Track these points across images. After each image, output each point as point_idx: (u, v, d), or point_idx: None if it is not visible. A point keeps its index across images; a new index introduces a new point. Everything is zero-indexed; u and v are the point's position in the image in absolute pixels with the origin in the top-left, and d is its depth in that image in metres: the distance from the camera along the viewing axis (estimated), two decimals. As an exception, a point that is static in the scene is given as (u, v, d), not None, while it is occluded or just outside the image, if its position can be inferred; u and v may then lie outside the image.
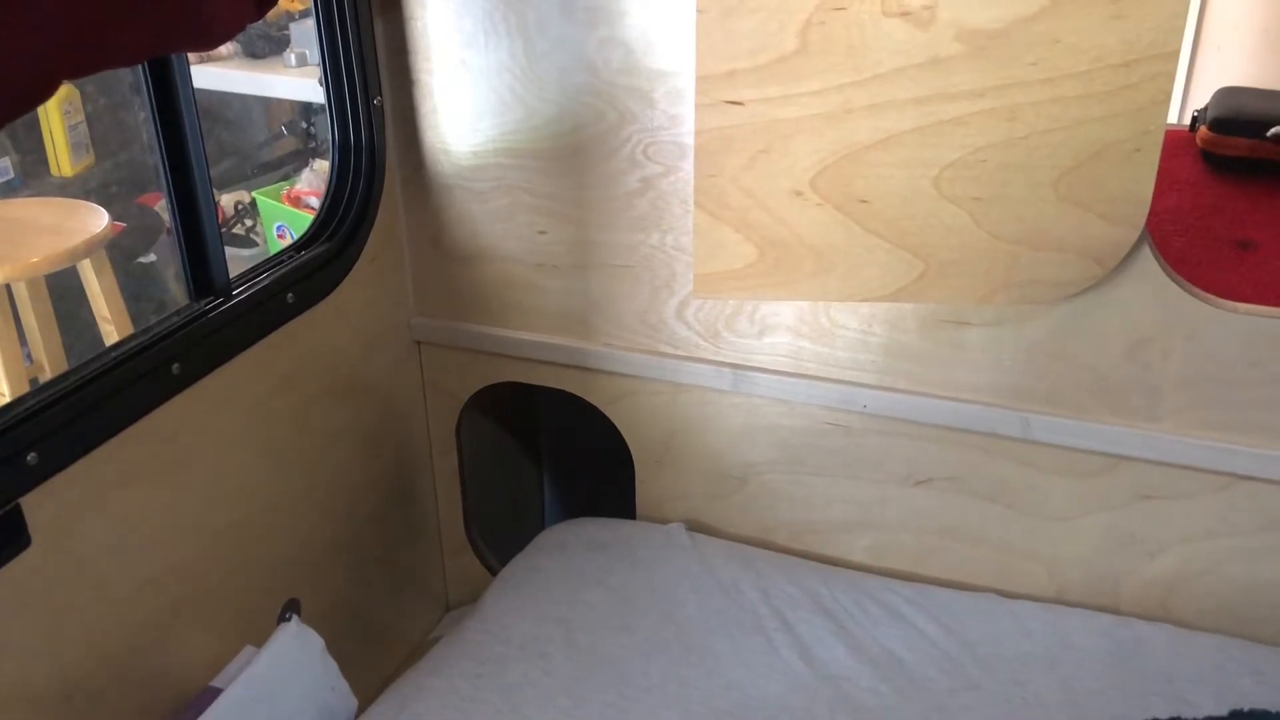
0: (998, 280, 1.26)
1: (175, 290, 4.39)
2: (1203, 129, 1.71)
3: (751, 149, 1.22)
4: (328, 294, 1.43)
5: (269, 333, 1.33)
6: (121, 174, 3.67)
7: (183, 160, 1.18)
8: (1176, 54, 1.13)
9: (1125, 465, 1.38)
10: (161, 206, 4.35)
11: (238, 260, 3.81)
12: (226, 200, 3.67)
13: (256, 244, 3.59)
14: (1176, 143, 1.79)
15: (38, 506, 1.06)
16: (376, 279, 1.54)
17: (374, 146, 1.45)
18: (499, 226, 1.55)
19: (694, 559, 1.55)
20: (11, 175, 3.29)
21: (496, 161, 1.50)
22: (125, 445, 1.14)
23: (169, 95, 1.15)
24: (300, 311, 1.38)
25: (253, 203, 3.59)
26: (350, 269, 1.47)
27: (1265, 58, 2.80)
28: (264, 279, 1.32)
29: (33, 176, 3.37)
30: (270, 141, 3.90)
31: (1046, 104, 1.16)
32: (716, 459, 1.59)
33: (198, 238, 1.22)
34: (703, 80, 1.20)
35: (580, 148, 1.44)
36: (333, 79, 1.41)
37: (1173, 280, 1.27)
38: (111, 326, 2.59)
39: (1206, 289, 1.31)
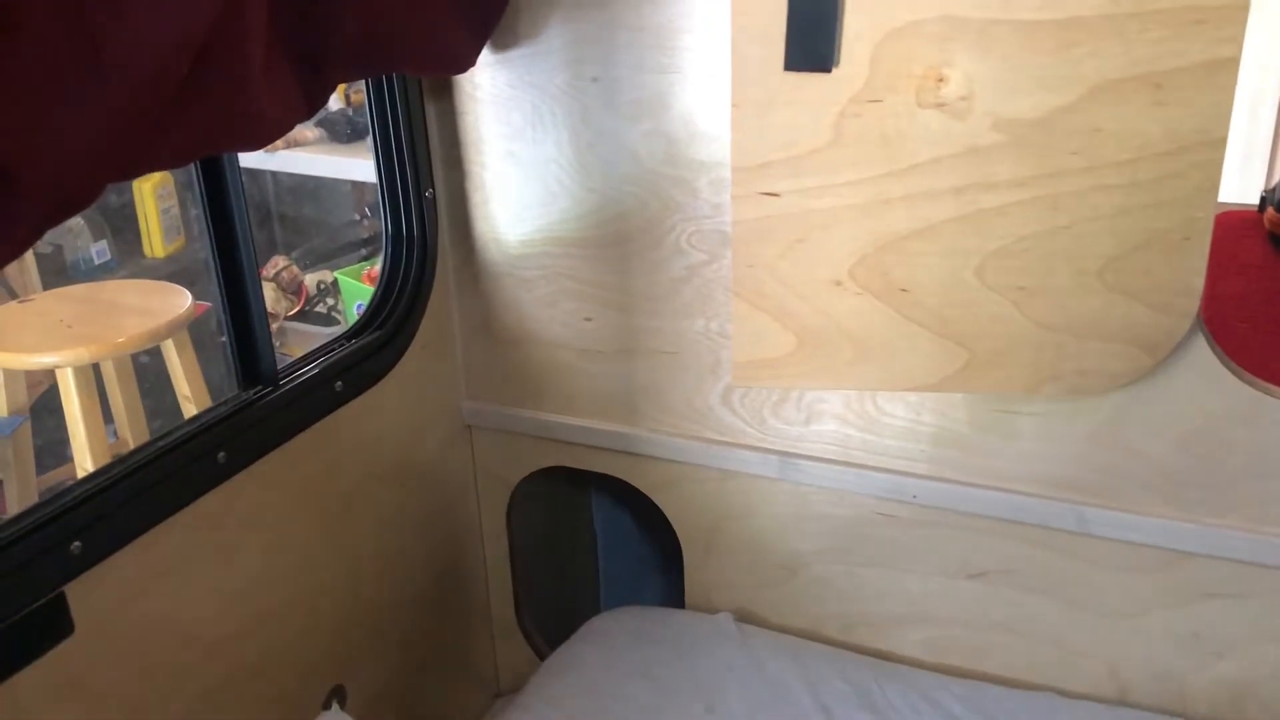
0: (1045, 370, 1.23)
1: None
2: (1270, 210, 1.66)
3: (788, 239, 1.22)
4: (378, 380, 1.46)
5: (317, 420, 1.35)
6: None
7: (232, 251, 1.22)
8: (1223, 141, 1.10)
9: (1187, 561, 1.32)
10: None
11: (321, 338, 3.90)
12: (310, 279, 3.77)
13: (338, 321, 3.68)
14: (1245, 224, 1.75)
15: (81, 594, 1.08)
16: (428, 364, 1.56)
17: (425, 237, 1.48)
18: (545, 313, 1.56)
19: (740, 650, 1.52)
20: (108, 257, 3.44)
21: (544, 250, 1.52)
22: (170, 532, 1.16)
23: (219, 188, 1.20)
24: (349, 399, 1.40)
25: (335, 282, 3.68)
26: (401, 356, 1.49)
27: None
28: (313, 368, 1.35)
29: (127, 257, 3.51)
30: (353, 223, 4.02)
31: (1089, 193, 1.14)
32: (765, 548, 1.56)
33: (246, 327, 1.25)
34: (739, 172, 1.20)
35: (625, 236, 1.46)
36: (385, 172, 1.45)
37: (1229, 369, 1.23)
38: (191, 404, 2.67)
39: (1270, 379, 1.26)
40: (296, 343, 4.41)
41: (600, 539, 2.02)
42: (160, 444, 1.15)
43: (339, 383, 1.38)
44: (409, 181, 1.46)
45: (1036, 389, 1.25)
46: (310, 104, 1.18)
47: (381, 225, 1.48)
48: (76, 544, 1.05)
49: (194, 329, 2.64)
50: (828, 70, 1.13)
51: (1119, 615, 1.37)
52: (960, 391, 1.28)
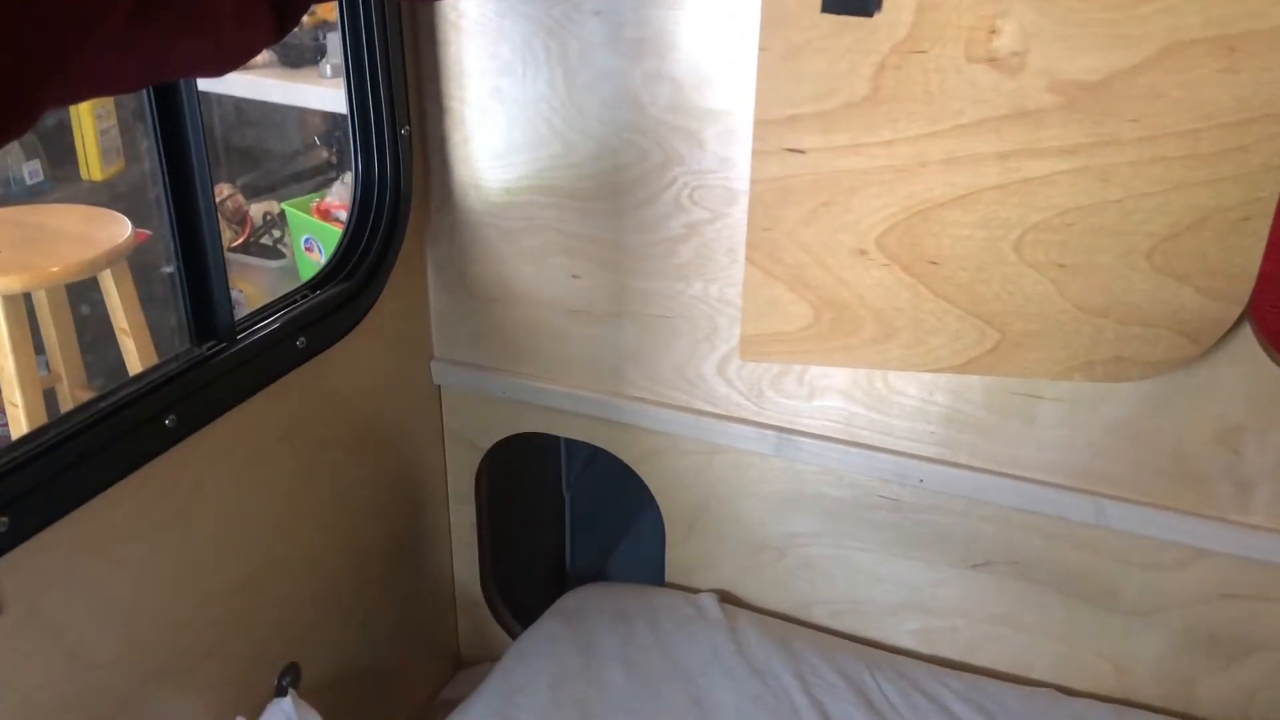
0: (1079, 355, 1.14)
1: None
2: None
3: (812, 201, 1.10)
4: (343, 336, 1.33)
5: (276, 379, 1.22)
6: (151, 180, 3.60)
7: (187, 191, 1.08)
8: (1296, 114, 1.00)
9: (1208, 559, 1.25)
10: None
11: (265, 272, 3.75)
12: (255, 210, 3.60)
13: (284, 255, 3.52)
14: None
15: (9, 573, 0.95)
16: (396, 320, 1.43)
17: (400, 179, 1.35)
18: (529, 268, 1.44)
19: (725, 636, 1.43)
20: (41, 178, 3.23)
21: (530, 199, 1.39)
22: (111, 504, 1.03)
23: (174, 119, 1.05)
24: (311, 356, 1.27)
25: (281, 214, 3.52)
26: (369, 310, 1.36)
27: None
28: (273, 321, 1.21)
29: (62, 179, 3.30)
30: (302, 152, 3.83)
31: (1145, 164, 1.04)
32: (754, 527, 1.47)
33: (201, 276, 1.11)
34: (762, 125, 1.08)
35: (621, 188, 1.33)
36: (358, 106, 1.31)
37: (1275, 362, 1.14)
38: (130, 339, 2.52)
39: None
40: (241, 276, 4.23)
41: (570, 504, 1.92)
42: (100, 406, 1.02)
43: (302, 338, 1.25)
44: (383, 117, 1.31)
45: (1068, 374, 1.15)
46: (281, 24, 1.03)
47: (352, 164, 1.34)
48: (4, 519, 0.92)
49: (134, 260, 2.48)
50: (869, 15, 1.02)
51: (1132, 613, 1.30)
52: (987, 374, 1.18)
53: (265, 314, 1.22)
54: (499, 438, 1.57)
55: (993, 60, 1.02)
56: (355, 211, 1.35)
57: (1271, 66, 0.98)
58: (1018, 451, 1.28)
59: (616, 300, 1.40)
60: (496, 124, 1.37)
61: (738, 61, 1.20)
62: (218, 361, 1.13)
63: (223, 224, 4.28)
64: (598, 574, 1.95)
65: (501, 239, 1.43)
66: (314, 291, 1.30)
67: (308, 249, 3.12)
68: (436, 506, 1.63)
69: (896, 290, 1.13)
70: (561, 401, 1.49)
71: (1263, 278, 1.38)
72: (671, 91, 1.26)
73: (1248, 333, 1.14)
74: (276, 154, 3.82)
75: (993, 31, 1.01)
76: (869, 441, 1.35)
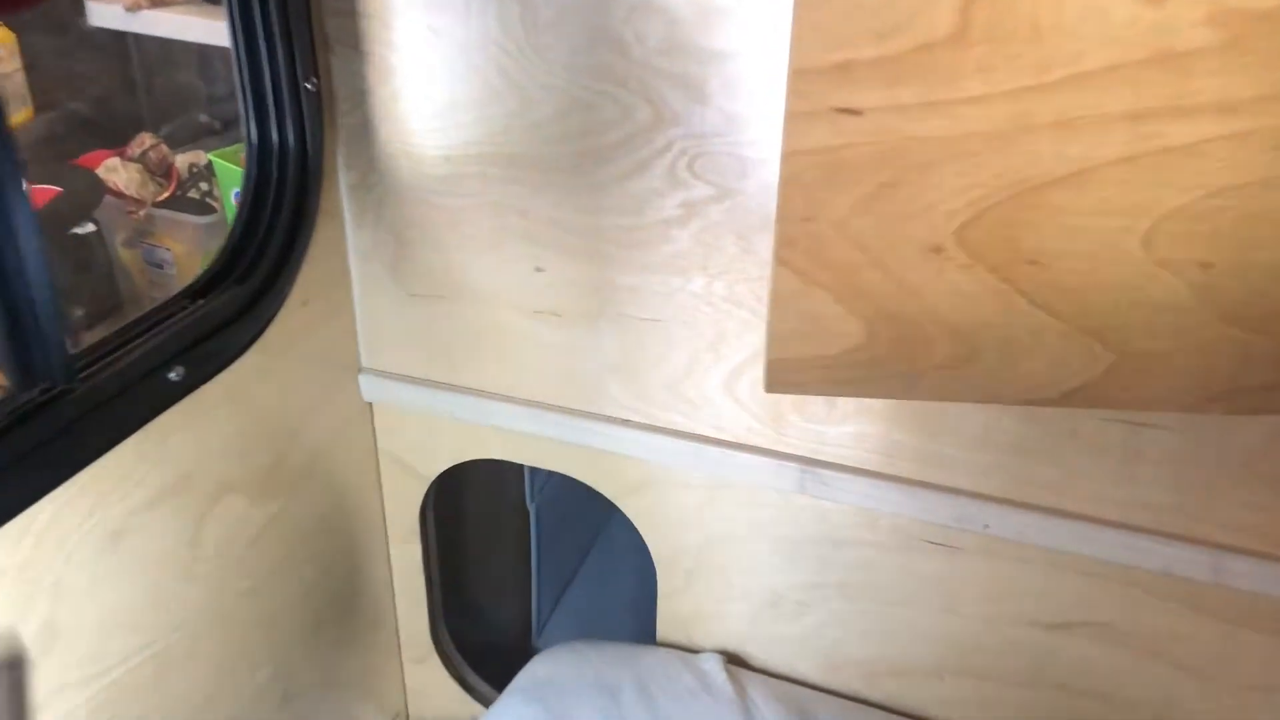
0: (1219, 383, 0.85)
1: (120, 266, 3.93)
2: None
3: (871, 181, 0.80)
4: (236, 357, 1.01)
5: (140, 427, 0.91)
6: (63, 129, 3.25)
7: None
8: None
9: (1352, 624, 0.99)
10: (106, 167, 3.90)
11: (194, 228, 3.37)
12: (181, 161, 3.26)
13: (214, 209, 3.19)
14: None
15: None
16: (309, 328, 1.12)
17: (305, 148, 1.02)
18: (480, 258, 1.12)
19: (733, 708, 1.15)
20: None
21: (479, 170, 1.08)
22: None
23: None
24: (193, 389, 0.96)
25: (209, 165, 3.18)
26: (271, 320, 1.05)
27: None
28: (133, 350, 0.90)
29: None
30: (230, 97, 3.47)
31: (1334, 126, 0.75)
32: (769, 575, 1.18)
33: (18, 295, 0.79)
34: (800, 75, 0.77)
35: (598, 156, 1.02)
36: (246, 51, 0.98)
37: None
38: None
39: None
40: (167, 233, 3.85)
41: (536, 518, 1.62)
42: None
43: (177, 368, 0.93)
44: (280, 67, 0.99)
45: (1204, 407, 0.87)
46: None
47: (244, 131, 1.02)
48: None
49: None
50: (962, -86, 0.71)
51: (1253, 687, 1.04)
52: (1094, 407, 0.90)
53: (123, 339, 0.90)
54: (447, 465, 1.27)
55: (1133, -19, 0.72)
56: (250, 193, 1.02)
57: None
58: (1110, 490, 1.01)
59: (594, 299, 1.10)
60: (434, 74, 1.05)
61: (754, -16, 0.89)
62: (49, 414, 0.81)
63: (146, 176, 3.90)
64: (571, 615, 1.66)
65: (443, 222, 1.12)
66: (195, 301, 0.98)
67: (239, 202, 2.80)
68: (375, 545, 1.33)
69: (981, 299, 0.83)
70: (524, 422, 1.19)
71: None
72: (664, 27, 0.95)
73: None
74: (203, 99, 3.45)
75: (1136, -62, 0.71)
76: (916, 476, 1.07)
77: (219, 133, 3.34)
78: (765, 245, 1.02)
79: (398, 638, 1.43)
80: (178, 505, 0.99)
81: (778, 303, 0.86)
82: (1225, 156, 0.76)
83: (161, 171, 3.66)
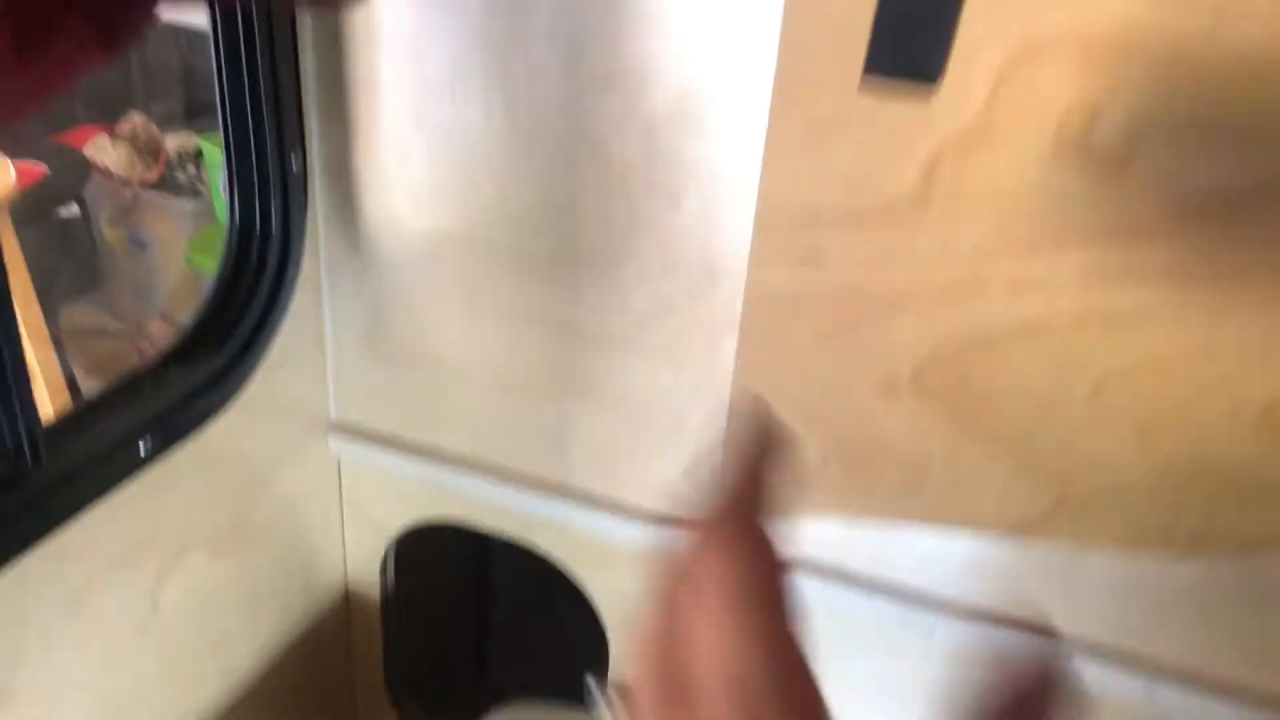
0: (1158, 526, 0.88)
1: (103, 244, 3.92)
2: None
3: (830, 322, 0.83)
4: (206, 419, 1.03)
5: (102, 500, 0.93)
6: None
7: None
8: None
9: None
10: (95, 145, 3.88)
11: (179, 213, 3.36)
12: (171, 144, 3.26)
13: (201, 193, 3.20)
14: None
15: None
16: (281, 390, 1.14)
17: (288, 224, 1.04)
18: (455, 332, 1.15)
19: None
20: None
21: (459, 251, 1.10)
22: None
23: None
24: (161, 455, 0.98)
25: (198, 149, 3.19)
26: (243, 384, 1.07)
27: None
28: (104, 426, 0.91)
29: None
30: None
31: (1274, 302, 0.78)
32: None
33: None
34: (768, 218, 0.80)
35: (575, 251, 1.05)
36: (234, 132, 1.00)
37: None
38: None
39: None
40: (152, 214, 3.85)
41: (496, 605, 1.63)
42: None
43: (146, 439, 0.95)
44: (267, 145, 1.01)
45: (1141, 547, 0.90)
46: (114, 42, 0.72)
47: (227, 204, 1.04)
48: None
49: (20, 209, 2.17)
50: (931, 82, 0.73)
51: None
52: (1041, 540, 0.93)
53: (94, 413, 0.92)
54: (410, 522, 1.29)
55: (1088, 155, 0.74)
56: (229, 265, 1.04)
57: None
58: (1055, 607, 1.03)
59: (565, 381, 1.12)
60: (419, 156, 1.07)
61: (729, 107, 0.91)
62: (16, 489, 0.83)
63: (135, 157, 3.89)
64: (531, 670, 1.68)
65: (422, 293, 1.14)
66: (167, 369, 1.00)
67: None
68: (333, 599, 1.35)
69: (932, 434, 0.86)
70: (488, 492, 1.21)
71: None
72: (643, 138, 0.97)
73: (1369, 505, 0.89)
74: (194, 79, 3.45)
75: (1092, 118, 0.73)
76: (870, 575, 1.09)
77: (208, 113, 3.35)
78: (731, 347, 1.04)
79: (354, 691, 1.45)
80: (140, 567, 1.00)
81: (736, 420, 0.89)
82: (1170, 322, 0.79)
83: (151, 151, 3.66)
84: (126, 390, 0.96)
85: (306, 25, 1.02)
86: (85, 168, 3.88)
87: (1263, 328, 0.79)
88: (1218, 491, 0.86)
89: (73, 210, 3.91)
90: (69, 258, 3.96)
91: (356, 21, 1.03)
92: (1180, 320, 0.79)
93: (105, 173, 3.89)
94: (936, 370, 0.84)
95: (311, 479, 1.25)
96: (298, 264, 1.06)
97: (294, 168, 1.02)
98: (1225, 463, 0.84)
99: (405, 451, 1.24)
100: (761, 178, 0.79)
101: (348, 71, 1.05)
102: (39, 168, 3.80)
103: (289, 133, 1.02)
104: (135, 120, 3.82)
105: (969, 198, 0.77)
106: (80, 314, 4.00)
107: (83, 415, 0.91)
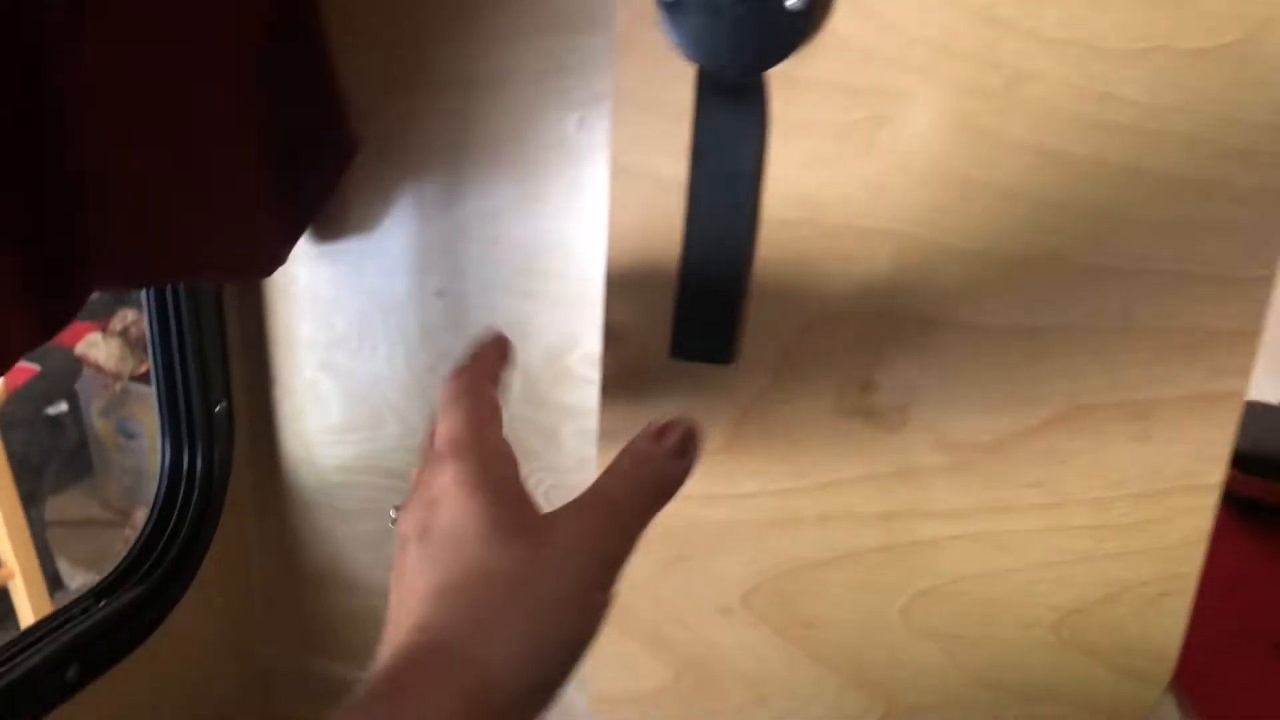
0: (978, 732, 0.97)
1: (94, 435, 4.04)
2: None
3: (667, 554, 0.94)
4: (134, 647, 1.13)
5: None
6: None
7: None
8: (1218, 486, 0.87)
9: None
10: (87, 341, 4.04)
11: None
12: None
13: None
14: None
15: None
16: (208, 612, 1.24)
17: (211, 469, 1.17)
18: (367, 555, 1.26)
19: None
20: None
21: (367, 480, 1.22)
22: None
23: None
24: (86, 684, 1.07)
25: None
26: (170, 611, 1.17)
27: None
28: (30, 655, 1.01)
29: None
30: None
31: (1047, 534, 0.89)
32: None
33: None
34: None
35: (468, 481, 1.16)
36: (164, 384, 1.13)
37: (1203, 744, 0.99)
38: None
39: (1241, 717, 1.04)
40: (141, 406, 3.98)
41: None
42: None
43: (74, 667, 1.05)
44: (193, 395, 1.14)
45: (966, 752, 0.99)
46: (49, 325, 0.86)
47: (159, 448, 1.16)
48: None
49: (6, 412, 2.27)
50: (726, 363, 0.87)
51: None
52: (872, 748, 1.02)
53: (22, 644, 1.02)
54: (335, 731, 1.37)
55: (869, 415, 0.87)
56: (159, 504, 1.16)
57: (1186, 438, 0.85)
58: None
59: (464, 598, 1.22)
60: (330, 398, 1.20)
61: (596, 355, 1.05)
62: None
63: (127, 351, 4.06)
64: None
65: (335, 522, 1.25)
66: (98, 602, 1.11)
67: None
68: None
69: (767, 653, 0.96)
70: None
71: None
72: (523, 383, 1.11)
73: (1173, 711, 0.98)
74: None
75: (868, 385, 0.86)
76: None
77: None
78: (611, 565, 1.15)
79: None
80: (63, 789, 1.08)
81: (597, 646, 0.99)
82: (959, 552, 0.90)
83: (141, 346, 3.84)
84: (56, 622, 1.06)
85: (231, 290, 1.17)
86: (76, 365, 4.04)
87: (1043, 552, 0.90)
88: (1027, 699, 0.95)
89: (61, 408, 4.04)
90: (58, 451, 4.08)
91: (275, 281, 1.18)
92: (968, 550, 0.91)
93: (96, 367, 4.05)
94: (764, 595, 0.94)
95: (239, 691, 1.33)
96: (220, 500, 1.18)
97: (219, 411, 1.15)
98: (1029, 673, 0.94)
99: (328, 667, 1.33)
100: (598, 435, 0.92)
101: (269, 327, 1.19)
102: (30, 367, 3.96)
103: (214, 382, 1.15)
104: (126, 315, 4.00)
105: (773, 449, 0.89)
106: (68, 503, 4.09)
107: (12, 647, 1.01)
